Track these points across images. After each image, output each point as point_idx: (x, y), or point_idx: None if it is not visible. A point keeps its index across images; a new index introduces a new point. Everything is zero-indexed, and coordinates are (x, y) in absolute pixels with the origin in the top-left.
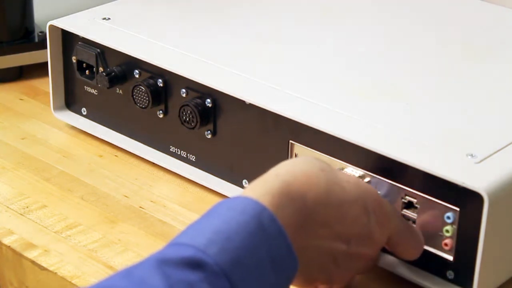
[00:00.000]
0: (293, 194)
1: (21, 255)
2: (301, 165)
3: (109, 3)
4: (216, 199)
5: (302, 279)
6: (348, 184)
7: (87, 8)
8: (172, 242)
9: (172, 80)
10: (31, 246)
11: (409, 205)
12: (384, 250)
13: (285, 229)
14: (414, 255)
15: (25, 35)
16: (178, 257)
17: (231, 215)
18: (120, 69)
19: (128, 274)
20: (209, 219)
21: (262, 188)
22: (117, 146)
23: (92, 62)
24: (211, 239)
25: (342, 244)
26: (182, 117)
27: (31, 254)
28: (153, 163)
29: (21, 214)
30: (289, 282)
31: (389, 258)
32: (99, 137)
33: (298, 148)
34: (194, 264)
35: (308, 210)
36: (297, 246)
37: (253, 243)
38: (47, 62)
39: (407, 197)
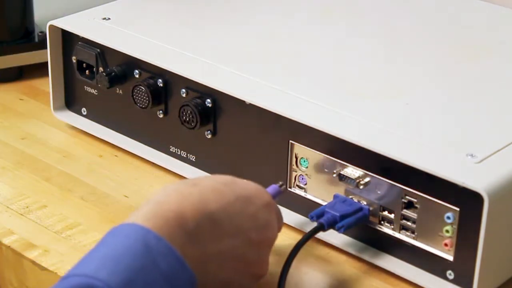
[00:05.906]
0: (167, 212)
1: (21, 255)
2: (172, 185)
3: (109, 3)
4: None
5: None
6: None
7: (87, 8)
8: (63, 276)
9: (172, 80)
10: (31, 246)
11: (409, 205)
12: (382, 249)
13: (173, 246)
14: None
15: (25, 35)
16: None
17: (116, 241)
18: (120, 69)
19: None
20: (97, 249)
21: (139, 214)
22: (117, 146)
23: (92, 62)
24: (99, 265)
25: (243, 244)
26: (182, 117)
27: (31, 254)
28: (153, 163)
29: (21, 214)
30: None
31: (389, 258)
32: (99, 137)
33: (298, 148)
34: None
35: (191, 223)
36: (195, 260)
37: (141, 263)
38: (47, 62)
39: (407, 197)
